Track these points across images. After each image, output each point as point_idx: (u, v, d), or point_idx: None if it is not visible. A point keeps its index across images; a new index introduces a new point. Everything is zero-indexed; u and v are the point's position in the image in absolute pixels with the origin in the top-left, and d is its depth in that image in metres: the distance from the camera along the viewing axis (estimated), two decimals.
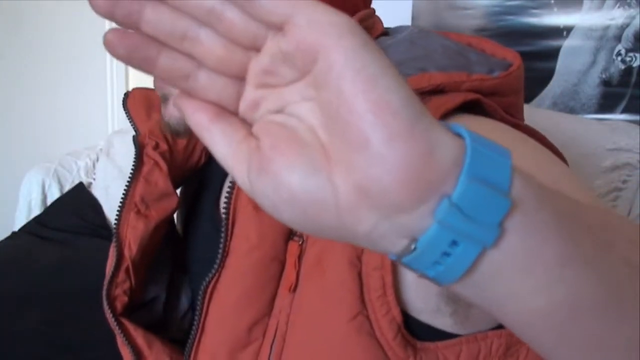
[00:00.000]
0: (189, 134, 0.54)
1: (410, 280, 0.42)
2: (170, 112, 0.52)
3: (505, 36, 1.16)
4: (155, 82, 0.51)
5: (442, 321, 0.43)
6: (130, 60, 0.25)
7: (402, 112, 0.22)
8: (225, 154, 0.26)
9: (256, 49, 0.25)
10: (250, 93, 0.27)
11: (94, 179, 1.29)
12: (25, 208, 1.26)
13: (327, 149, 0.24)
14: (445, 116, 0.44)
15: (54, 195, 1.25)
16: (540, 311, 0.25)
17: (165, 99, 0.52)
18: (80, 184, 1.26)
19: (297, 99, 0.25)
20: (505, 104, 0.49)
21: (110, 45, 0.25)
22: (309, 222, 0.24)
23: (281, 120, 0.25)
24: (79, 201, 1.23)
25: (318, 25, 0.22)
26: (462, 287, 0.25)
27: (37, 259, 1.06)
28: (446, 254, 0.23)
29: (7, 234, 1.16)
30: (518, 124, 0.48)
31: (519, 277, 0.24)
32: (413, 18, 1.24)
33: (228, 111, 0.27)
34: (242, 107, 0.27)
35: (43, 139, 1.61)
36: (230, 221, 0.51)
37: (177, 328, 0.68)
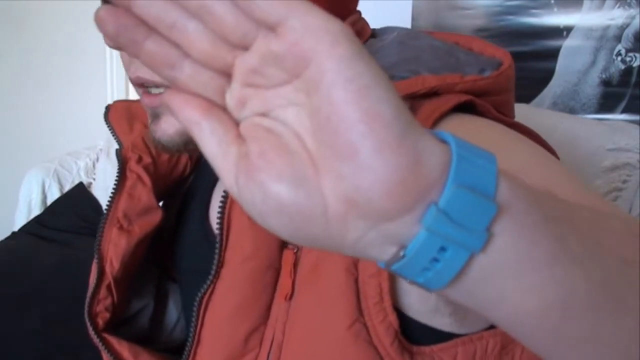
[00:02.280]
0: (179, 152, 0.54)
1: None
2: (164, 129, 0.51)
3: (505, 36, 1.16)
4: (142, 99, 0.51)
5: (440, 321, 0.43)
6: (118, 38, 0.25)
7: (393, 124, 0.22)
8: (214, 154, 0.26)
9: (244, 47, 0.25)
10: (236, 90, 0.26)
11: (94, 179, 1.28)
12: (25, 208, 1.26)
13: (313, 157, 0.24)
14: (439, 119, 0.44)
15: (54, 195, 1.25)
16: (533, 312, 0.25)
17: (155, 116, 0.51)
18: (80, 184, 1.26)
19: (283, 103, 0.25)
20: (497, 103, 0.49)
21: (101, 21, 0.25)
22: (297, 230, 0.24)
23: (267, 125, 0.25)
24: (79, 201, 1.23)
25: (313, 30, 0.22)
26: (452, 291, 0.25)
27: (37, 259, 1.06)
28: (435, 260, 0.23)
29: (7, 234, 1.16)
30: (511, 123, 0.48)
31: (509, 280, 0.24)
32: (413, 18, 1.24)
33: (217, 107, 0.26)
34: (230, 103, 0.26)
35: (43, 139, 1.61)
36: (224, 231, 0.50)
37: (166, 339, 0.67)
